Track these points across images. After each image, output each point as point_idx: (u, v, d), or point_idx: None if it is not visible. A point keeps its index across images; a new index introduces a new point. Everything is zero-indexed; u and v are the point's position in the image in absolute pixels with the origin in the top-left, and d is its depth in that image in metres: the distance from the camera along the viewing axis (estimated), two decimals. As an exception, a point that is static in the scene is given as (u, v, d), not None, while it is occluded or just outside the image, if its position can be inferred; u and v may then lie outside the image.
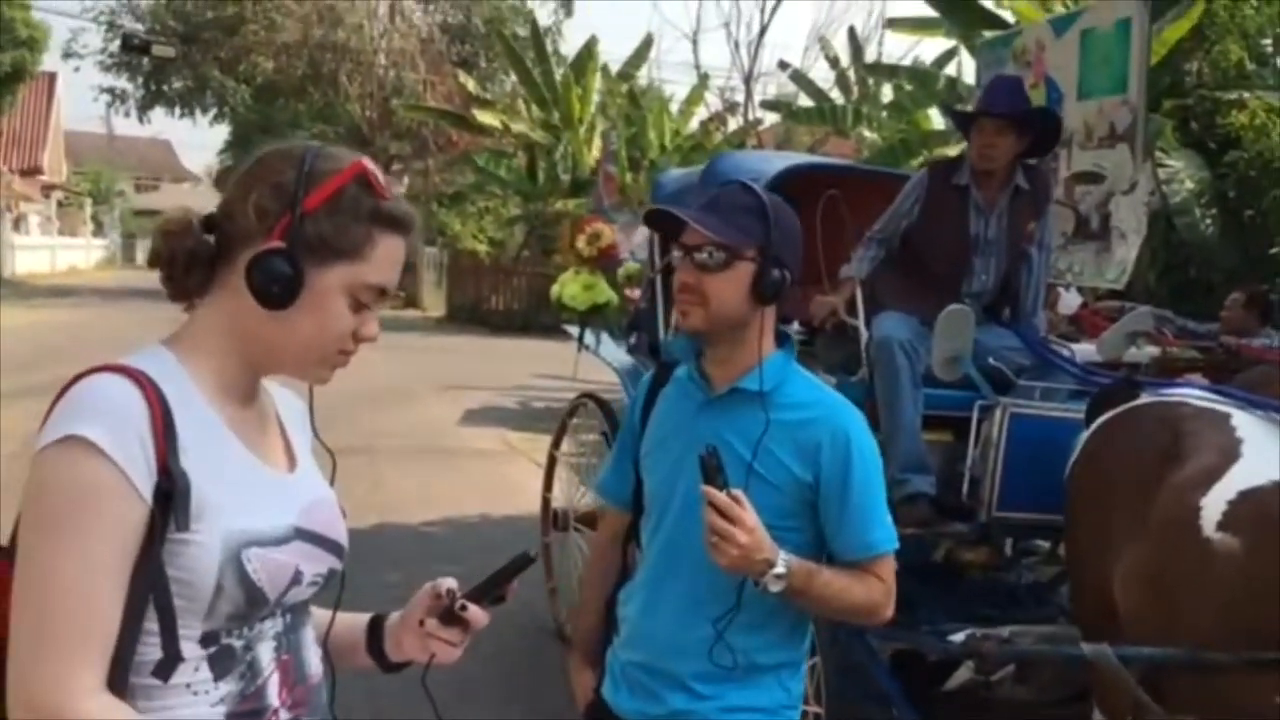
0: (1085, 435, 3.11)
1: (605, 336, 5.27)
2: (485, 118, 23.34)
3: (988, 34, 11.29)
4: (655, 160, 21.60)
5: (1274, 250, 11.40)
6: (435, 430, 11.14)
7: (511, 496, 7.99)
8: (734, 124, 24.85)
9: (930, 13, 14.50)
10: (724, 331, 2.01)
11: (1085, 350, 4.55)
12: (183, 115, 36.48)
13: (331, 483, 1.52)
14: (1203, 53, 12.23)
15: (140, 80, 34.88)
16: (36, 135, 39.23)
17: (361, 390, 13.54)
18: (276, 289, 1.33)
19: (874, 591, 2.00)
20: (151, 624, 1.27)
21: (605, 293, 5.13)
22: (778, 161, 4.38)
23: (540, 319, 20.57)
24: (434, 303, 27.07)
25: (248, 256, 1.34)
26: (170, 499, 1.25)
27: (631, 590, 2.18)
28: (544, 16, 31.16)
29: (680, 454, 2.04)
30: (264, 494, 1.37)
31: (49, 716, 1.20)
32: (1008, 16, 12.71)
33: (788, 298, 2.04)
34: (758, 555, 1.85)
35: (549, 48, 26.09)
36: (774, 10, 24.76)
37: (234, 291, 1.36)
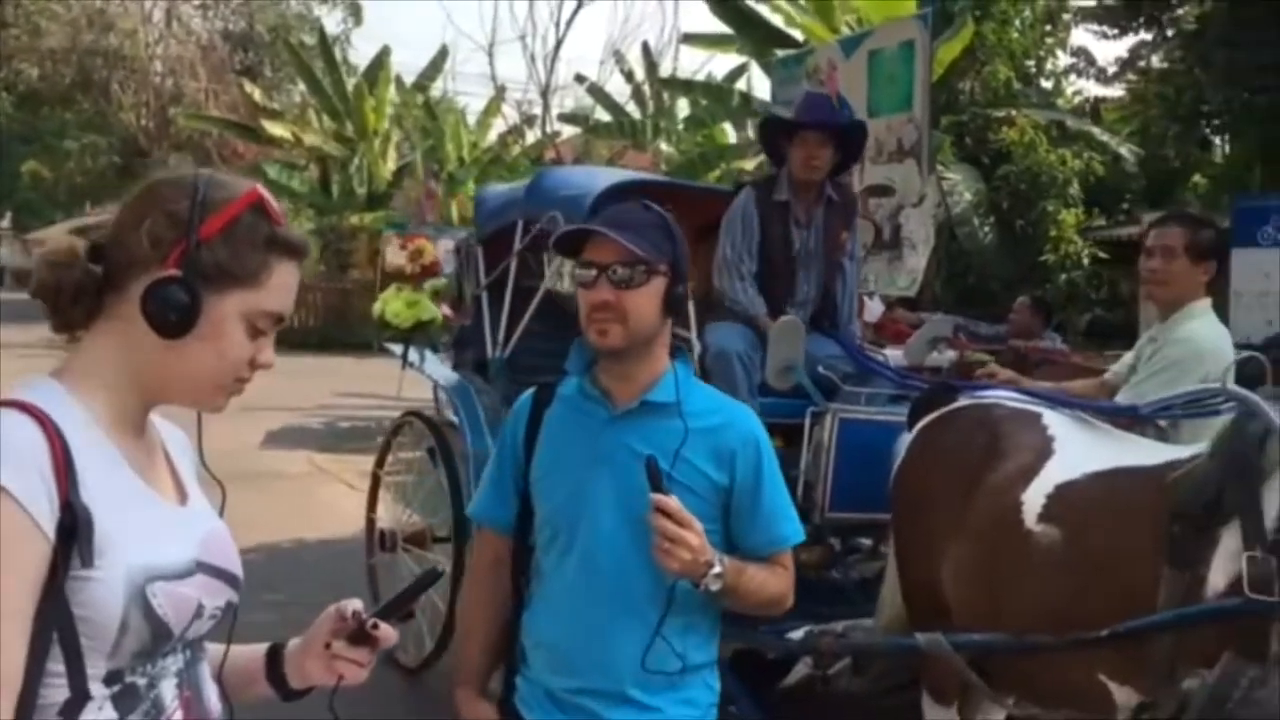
0: (908, 438, 3.29)
1: (429, 354, 5.22)
2: (275, 129, 22.64)
3: (780, 52, 11.76)
4: (453, 173, 21.44)
5: (1044, 258, 12.31)
6: (237, 454, 10.66)
7: (324, 519, 7.78)
8: (532, 136, 24.92)
9: (724, 29, 15.00)
10: (639, 347, 2.02)
11: (894, 356, 4.80)
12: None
13: (221, 514, 1.50)
14: (974, 73, 13.09)
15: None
16: None
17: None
18: (174, 317, 1.31)
19: (784, 581, 2.09)
20: (56, 664, 1.23)
21: (429, 309, 5.09)
22: (603, 177, 4.43)
23: (339, 336, 20.10)
24: (227, 321, 26.01)
25: (141, 285, 1.32)
26: (73, 535, 1.22)
27: (543, 616, 2.10)
28: (332, 25, 30.49)
29: (584, 472, 2.03)
30: (163, 527, 1.34)
31: None
32: (797, 35, 13.25)
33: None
34: (703, 557, 1.89)
35: (339, 57, 25.51)
36: (569, 24, 24.96)
37: (125, 321, 1.33)
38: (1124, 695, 2.52)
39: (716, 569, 1.91)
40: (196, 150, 28.40)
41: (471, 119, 24.45)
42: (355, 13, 32.02)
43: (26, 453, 1.21)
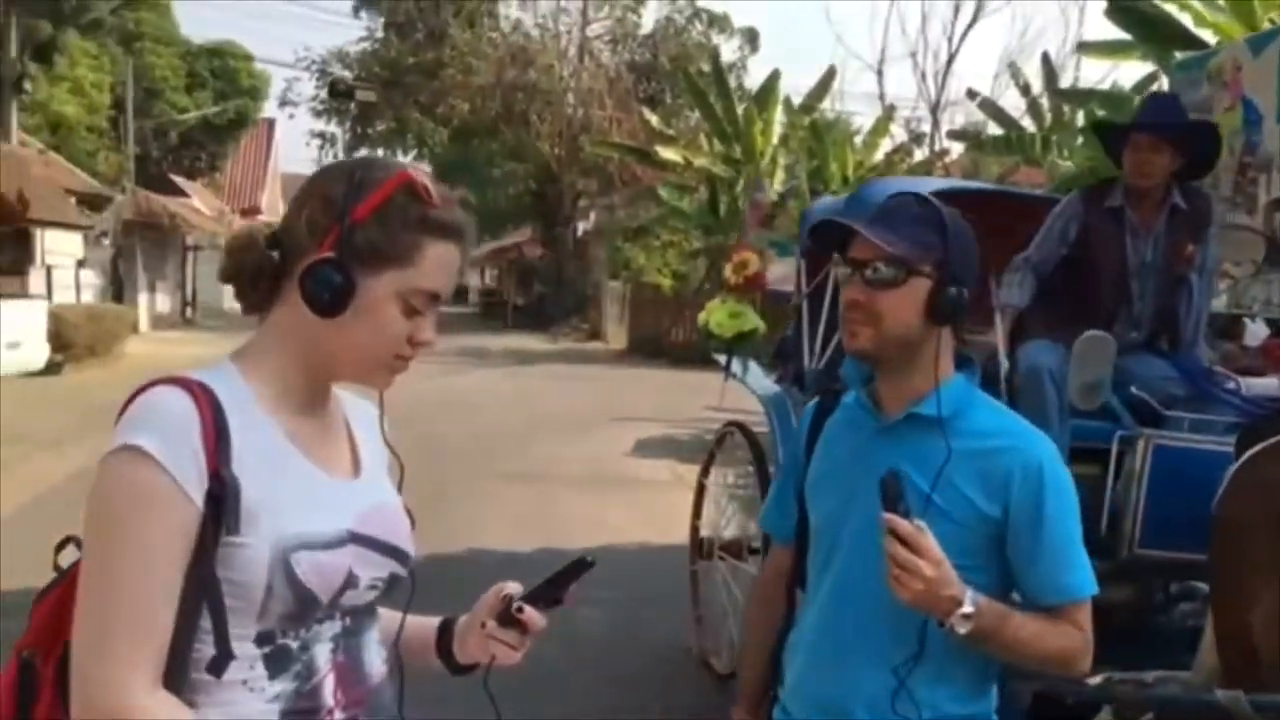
0: (1232, 469, 2.92)
1: (753, 365, 5.25)
2: (667, 153, 23.65)
3: (1180, 55, 10.78)
4: (837, 192, 21.41)
5: None
6: (607, 460, 11.28)
7: (672, 526, 7.98)
8: (920, 155, 24.40)
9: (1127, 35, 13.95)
10: (895, 353, 1.86)
11: (1268, 384, 4.26)
12: (386, 156, 38.34)
13: (399, 489, 1.56)
14: None
15: (347, 124, 36.84)
16: (256, 178, 42.20)
17: (539, 420, 13.94)
18: (328, 297, 1.38)
19: (1070, 640, 1.83)
20: (206, 622, 1.33)
21: (751, 320, 5.11)
22: (924, 186, 4.29)
23: (720, 352, 20.59)
24: (616, 335, 27.54)
25: (302, 268, 1.40)
26: (221, 504, 1.31)
27: (799, 635, 2.01)
28: (729, 52, 31.54)
29: (852, 486, 1.89)
30: (317, 499, 1.40)
31: (107, 715, 1.26)
32: (1208, 37, 12.09)
33: (964, 318, 1.89)
34: (944, 591, 1.69)
35: (734, 83, 26.27)
36: (962, 39, 24.18)
37: (293, 303, 1.41)
38: None
39: (966, 609, 1.70)
40: (600, 174, 30.30)
41: (859, 138, 24.32)
42: (752, 39, 32.90)
43: (178, 426, 1.30)
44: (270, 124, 43.40)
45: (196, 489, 1.29)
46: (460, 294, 57.09)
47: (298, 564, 1.34)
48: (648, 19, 32.97)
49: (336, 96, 33.15)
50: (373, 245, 1.39)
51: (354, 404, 1.59)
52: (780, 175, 23.61)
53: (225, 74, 36.23)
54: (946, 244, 1.84)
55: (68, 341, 15.71)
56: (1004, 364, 3.59)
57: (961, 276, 1.84)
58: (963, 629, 1.71)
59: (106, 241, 23.96)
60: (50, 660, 1.34)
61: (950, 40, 26.02)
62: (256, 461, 1.35)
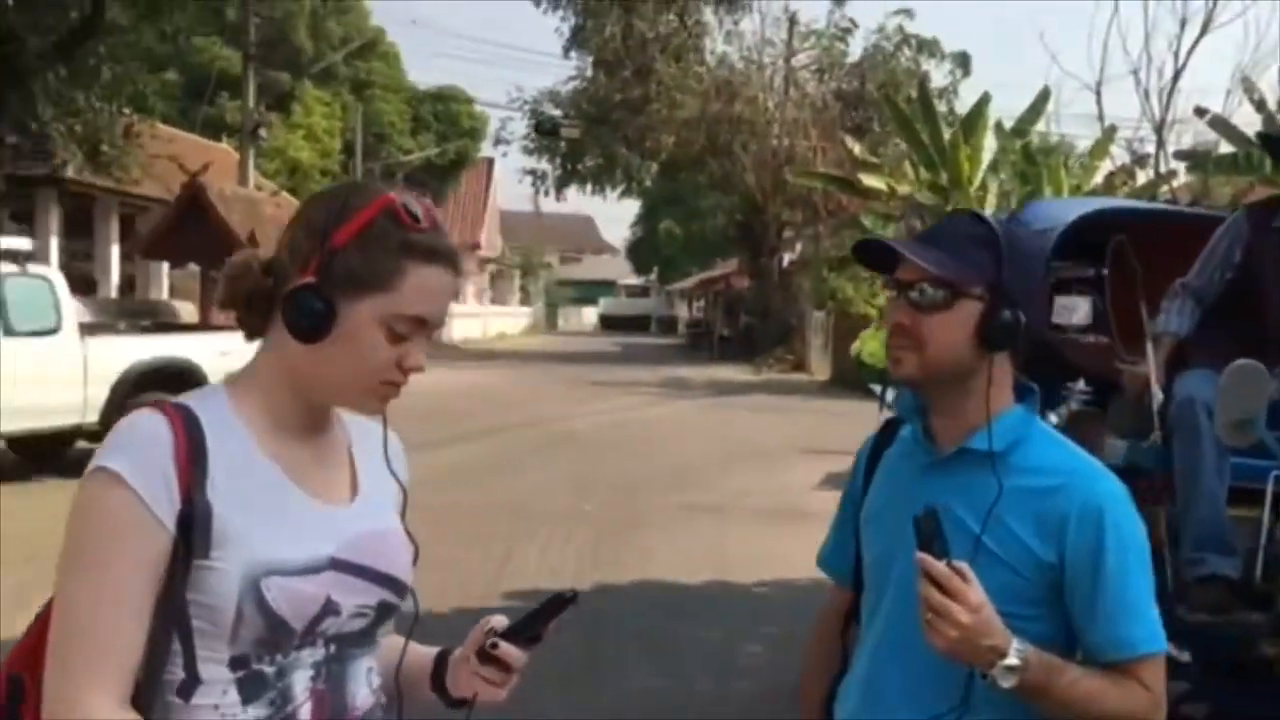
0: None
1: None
2: (871, 180, 23.25)
3: None
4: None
5: None
6: (792, 492, 11.11)
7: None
8: (1143, 177, 23.10)
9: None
10: (943, 382, 1.75)
11: None
12: (594, 192, 39.24)
13: (403, 516, 1.53)
14: None
15: (557, 161, 37.82)
16: (476, 214, 44.13)
17: (730, 452, 13.89)
18: (306, 323, 1.37)
19: (1135, 700, 1.66)
20: (177, 645, 1.33)
21: (906, 350, 4.90)
22: (1076, 208, 4.05)
23: (924, 383, 19.94)
24: (820, 366, 27.23)
25: (284, 294, 1.40)
26: (192, 527, 1.31)
27: (850, 680, 1.90)
28: (940, 77, 30.79)
29: (899, 523, 1.75)
30: (296, 524, 1.39)
31: None
32: None
33: (1021, 344, 1.75)
34: (983, 640, 1.56)
35: (944, 108, 25.59)
36: (1189, 54, 22.80)
37: (281, 329, 1.40)
38: None
39: (1010, 660, 1.56)
40: (806, 205, 30.08)
41: (1076, 161, 23.25)
42: (963, 63, 32.00)
43: (151, 449, 1.32)
44: (489, 163, 45.31)
45: (167, 512, 1.30)
46: (669, 325, 57.93)
47: (268, 590, 1.33)
48: (855, 47, 32.59)
49: (543, 134, 34.21)
50: (352, 270, 1.37)
51: (362, 428, 1.57)
52: (992, 200, 22.82)
53: (447, 117, 38.06)
54: (1000, 264, 1.71)
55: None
56: (1157, 396, 3.34)
57: (1018, 300, 1.71)
58: (1006, 682, 1.56)
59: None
60: (34, 682, 1.35)
61: (1176, 55, 24.56)
62: (234, 485, 1.35)
